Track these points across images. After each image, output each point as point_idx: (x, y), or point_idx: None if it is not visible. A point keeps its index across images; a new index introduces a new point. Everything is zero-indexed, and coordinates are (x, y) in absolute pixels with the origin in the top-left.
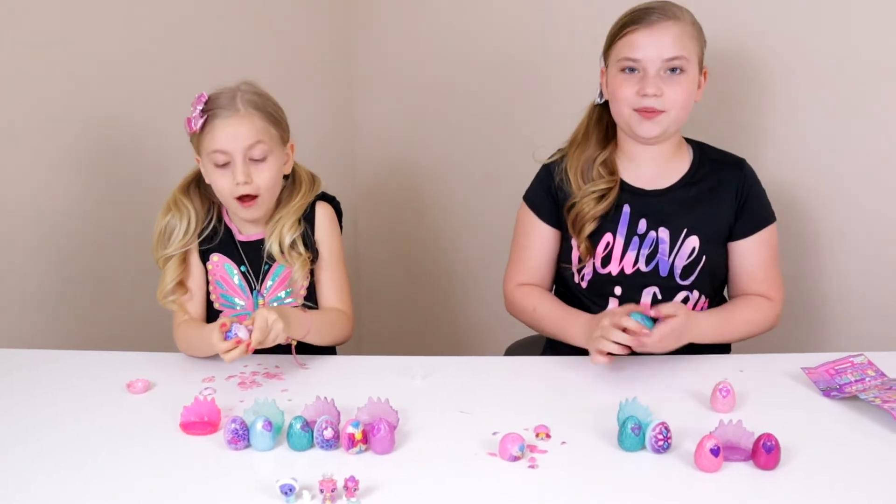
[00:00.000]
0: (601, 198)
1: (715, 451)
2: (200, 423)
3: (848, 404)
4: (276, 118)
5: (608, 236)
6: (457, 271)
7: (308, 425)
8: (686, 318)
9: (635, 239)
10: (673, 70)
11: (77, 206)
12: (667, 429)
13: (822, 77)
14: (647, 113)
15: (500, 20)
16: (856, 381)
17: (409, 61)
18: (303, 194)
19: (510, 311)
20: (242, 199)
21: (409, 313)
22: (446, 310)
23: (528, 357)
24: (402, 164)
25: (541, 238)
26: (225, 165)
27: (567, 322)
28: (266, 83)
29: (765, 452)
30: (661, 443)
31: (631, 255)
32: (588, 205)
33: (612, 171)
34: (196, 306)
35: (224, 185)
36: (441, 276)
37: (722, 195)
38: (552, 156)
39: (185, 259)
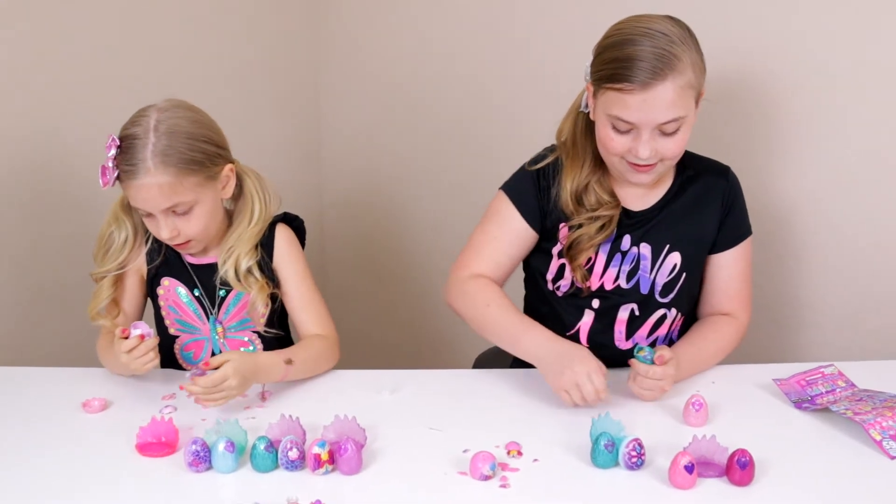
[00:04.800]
0: (603, 226)
1: (689, 468)
2: (157, 444)
3: (820, 417)
4: (196, 161)
5: (592, 252)
6: (424, 278)
7: (272, 445)
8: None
9: (617, 255)
10: (667, 132)
11: (24, 215)
12: (640, 445)
13: (798, 88)
14: (641, 167)
15: (470, 27)
16: (826, 392)
17: (378, 66)
18: (257, 219)
19: (450, 300)
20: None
21: (377, 321)
22: (414, 318)
23: (498, 370)
24: (369, 170)
25: (515, 234)
26: (150, 216)
27: (522, 332)
28: (231, 87)
29: (739, 468)
30: (634, 459)
31: (612, 271)
32: (589, 233)
33: (612, 194)
34: (120, 322)
35: (155, 232)
36: (409, 284)
37: (706, 207)
38: (541, 158)
39: (120, 279)
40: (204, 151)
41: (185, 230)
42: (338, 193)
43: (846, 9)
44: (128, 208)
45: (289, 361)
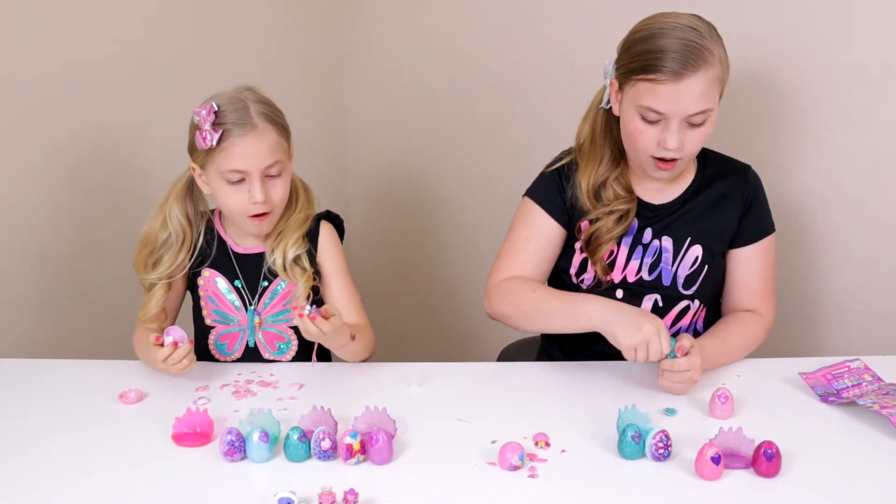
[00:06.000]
0: (620, 218)
1: (716, 460)
2: (193, 434)
3: (846, 410)
4: (286, 129)
5: (611, 245)
6: (448, 274)
7: (305, 436)
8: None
9: (639, 248)
10: (694, 124)
11: (63, 212)
12: (667, 437)
13: (822, 82)
14: (665, 163)
15: (492, 23)
16: (853, 385)
17: (402, 63)
18: (301, 205)
19: (492, 307)
20: (255, 215)
21: (401, 316)
22: (439, 313)
23: (525, 363)
24: (393, 166)
25: (545, 232)
26: (239, 182)
27: (579, 300)
28: (256, 84)
29: (766, 460)
30: (661, 451)
31: (634, 263)
32: (607, 225)
33: (629, 189)
34: (165, 324)
35: (238, 202)
36: (432, 279)
37: (727, 203)
38: (558, 160)
39: (171, 284)
40: (287, 124)
41: (273, 196)
42: (362, 191)
43: (872, 2)
44: (184, 206)
45: (353, 336)
